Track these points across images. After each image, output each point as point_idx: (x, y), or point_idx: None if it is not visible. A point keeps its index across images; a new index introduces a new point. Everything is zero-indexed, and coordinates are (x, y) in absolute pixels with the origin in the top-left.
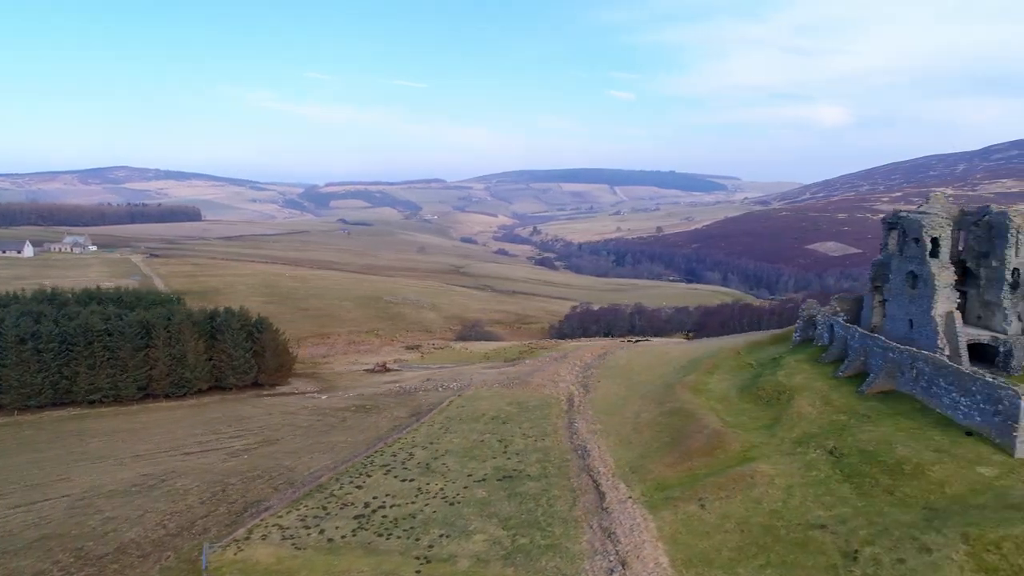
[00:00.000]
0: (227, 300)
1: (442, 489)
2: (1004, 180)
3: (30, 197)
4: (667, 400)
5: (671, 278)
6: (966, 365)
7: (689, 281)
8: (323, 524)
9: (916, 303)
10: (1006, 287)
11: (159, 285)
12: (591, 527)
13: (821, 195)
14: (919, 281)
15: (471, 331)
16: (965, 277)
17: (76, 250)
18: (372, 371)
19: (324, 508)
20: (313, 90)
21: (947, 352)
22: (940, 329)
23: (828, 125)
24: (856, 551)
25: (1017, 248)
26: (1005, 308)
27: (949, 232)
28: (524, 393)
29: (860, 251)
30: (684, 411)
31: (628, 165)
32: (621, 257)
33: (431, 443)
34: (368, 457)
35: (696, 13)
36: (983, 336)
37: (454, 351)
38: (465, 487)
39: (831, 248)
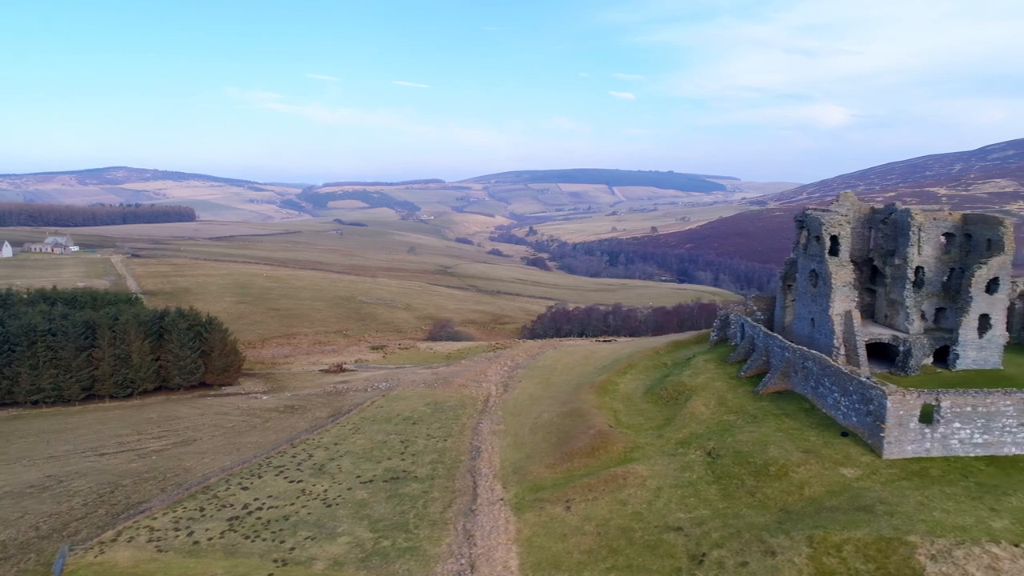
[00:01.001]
0: (197, 300)
1: (326, 491)
2: (998, 180)
3: (28, 198)
4: (570, 400)
5: (663, 278)
6: (863, 365)
7: (681, 281)
8: (194, 526)
9: (817, 302)
10: (909, 286)
11: (131, 285)
12: (456, 529)
13: (817, 195)
14: (819, 280)
15: (441, 331)
16: (875, 276)
17: (57, 250)
18: (327, 371)
19: (202, 510)
20: (315, 91)
21: (842, 352)
22: (836, 328)
23: (830, 126)
24: (704, 554)
25: (919, 246)
26: (908, 307)
27: (849, 230)
28: (445, 393)
29: None
30: (579, 412)
31: (628, 165)
32: (614, 257)
33: (335, 444)
34: (268, 458)
35: (699, 14)
36: (884, 335)
37: (418, 352)
38: (349, 488)
39: None
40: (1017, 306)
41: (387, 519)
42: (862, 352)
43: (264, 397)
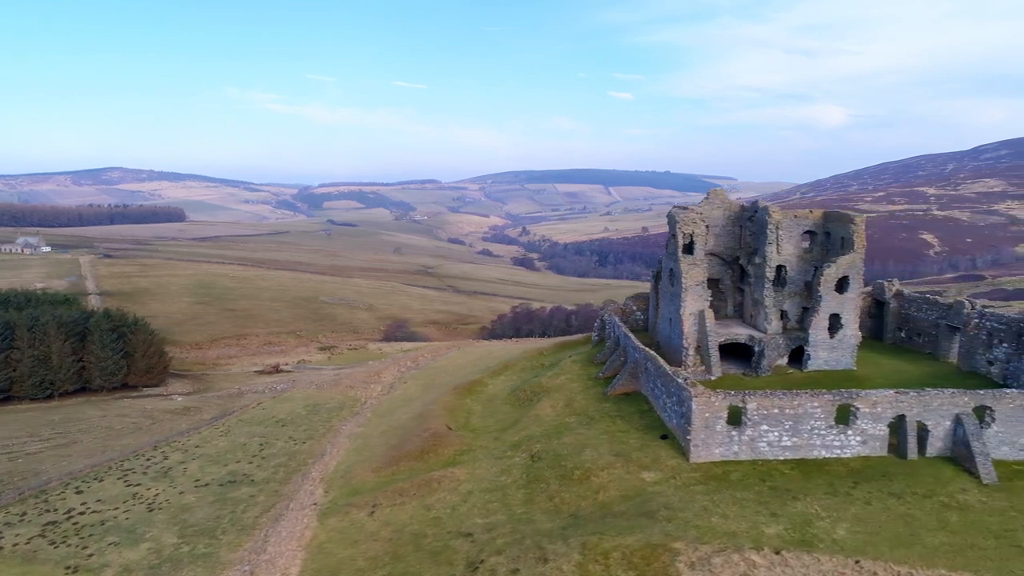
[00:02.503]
0: (154, 300)
1: (156, 495)
2: (987, 180)
3: (23, 198)
4: (431, 402)
5: (649, 278)
6: (716, 365)
7: None
8: (6, 532)
9: (674, 301)
10: (768, 285)
11: (90, 286)
12: (258, 535)
13: (810, 195)
14: (675, 278)
15: (398, 332)
16: (743, 275)
17: (27, 251)
18: (262, 372)
19: (23, 515)
20: (315, 91)
21: (691, 352)
22: (686, 327)
23: (830, 126)
24: (481, 561)
25: (778, 245)
26: (766, 306)
27: (704, 229)
28: (331, 394)
29: None
30: (427, 414)
31: (628, 166)
32: (604, 257)
33: (197, 447)
34: (123, 461)
35: (699, 14)
36: (741, 335)
37: (367, 352)
38: (181, 492)
39: None
40: (892, 305)
41: (200, 524)
42: (714, 353)
43: (178, 399)
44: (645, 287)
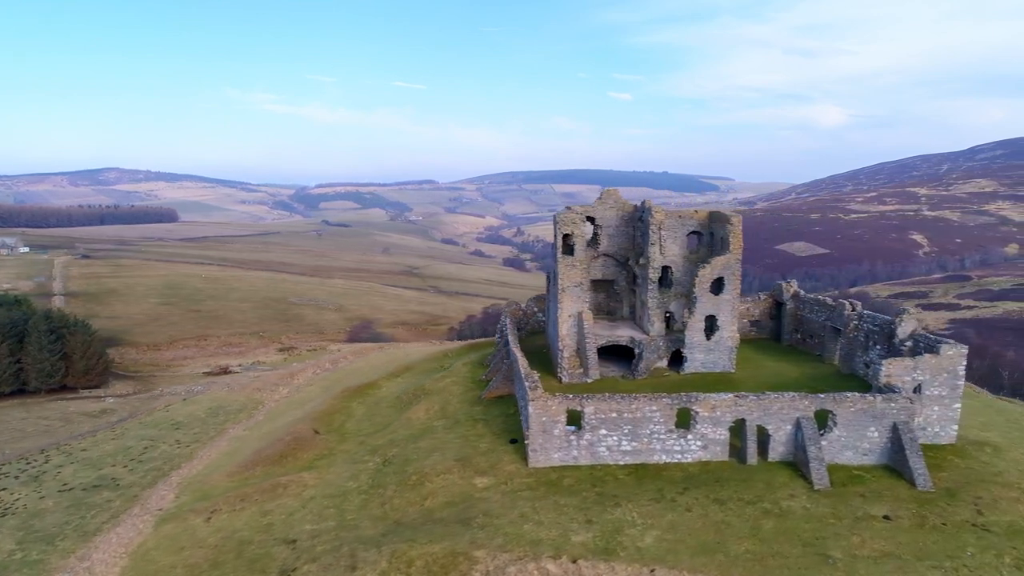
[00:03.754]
0: (120, 301)
1: (18, 499)
2: (979, 180)
3: (19, 199)
4: (318, 404)
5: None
6: (593, 368)
7: None
8: None
9: (554, 302)
10: (651, 286)
11: (56, 287)
12: (96, 541)
13: (806, 195)
14: (556, 279)
15: (363, 333)
16: (635, 277)
17: (3, 251)
18: (209, 374)
19: None
20: (314, 92)
21: (566, 354)
22: (563, 328)
23: (829, 126)
24: (294, 569)
25: (661, 245)
26: (648, 308)
27: (584, 228)
28: (237, 397)
29: (828, 251)
30: (304, 416)
31: (628, 166)
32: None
33: (83, 450)
34: (5, 463)
35: (699, 14)
36: (623, 338)
37: (326, 353)
38: (42, 497)
39: (799, 248)
40: (789, 307)
41: (45, 530)
42: (591, 355)
43: (109, 400)
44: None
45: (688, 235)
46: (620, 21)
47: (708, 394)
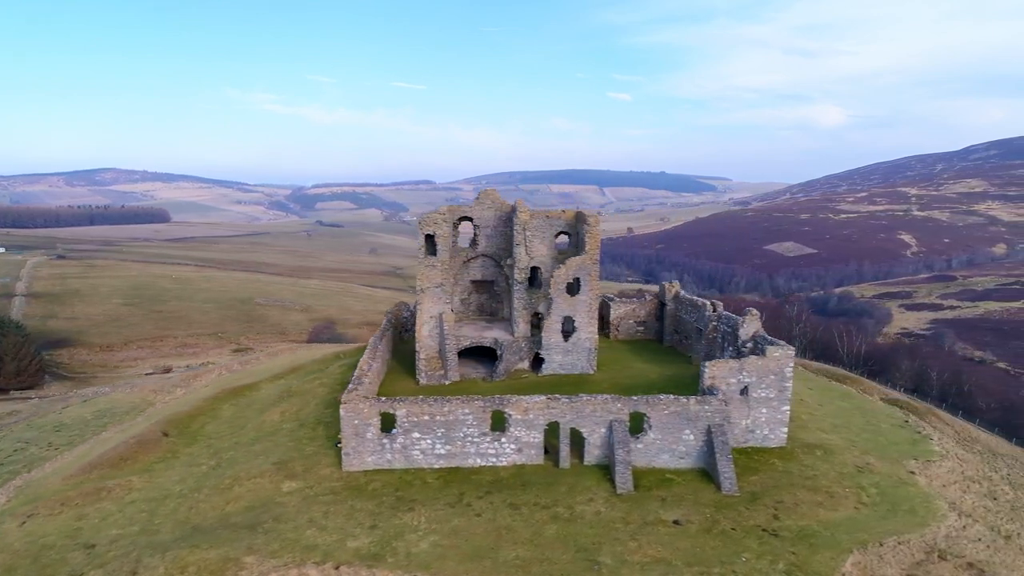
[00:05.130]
0: (82, 301)
1: None
2: (969, 180)
3: (15, 199)
4: (188, 405)
5: (630, 279)
6: (452, 369)
7: (648, 281)
8: None
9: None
10: (518, 287)
11: (19, 287)
12: None
13: (801, 195)
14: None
15: (324, 333)
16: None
17: None
18: (151, 374)
19: None
20: (314, 92)
21: (423, 355)
22: (423, 329)
23: (829, 126)
24: (83, 574)
25: (527, 246)
26: (514, 308)
27: (448, 229)
28: (130, 398)
29: (816, 251)
30: (164, 419)
31: (627, 166)
32: None
33: None
34: None
35: (697, 14)
36: (487, 339)
37: (280, 353)
38: None
39: (788, 248)
40: (669, 308)
41: None
42: (451, 356)
43: (33, 401)
44: (622, 287)
45: (557, 235)
46: (619, 21)
47: (521, 396)
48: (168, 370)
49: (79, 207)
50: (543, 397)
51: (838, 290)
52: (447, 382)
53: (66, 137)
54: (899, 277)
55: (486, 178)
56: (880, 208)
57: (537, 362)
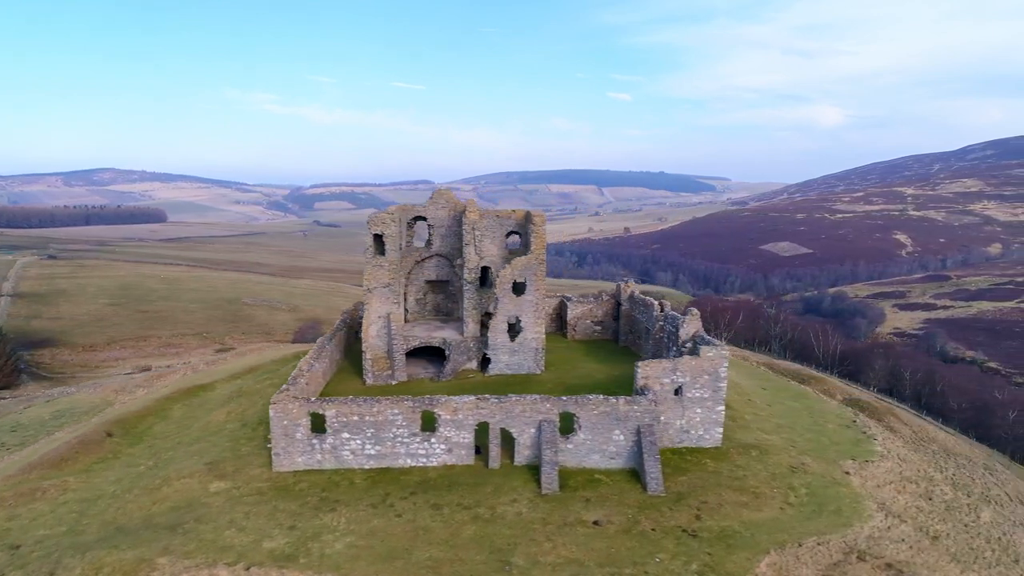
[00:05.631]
0: (67, 301)
1: None
2: (965, 180)
3: (13, 200)
4: (141, 404)
5: (625, 279)
6: (399, 369)
7: (643, 282)
8: None
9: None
10: (467, 287)
11: (5, 288)
12: None
13: (798, 195)
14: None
15: (308, 333)
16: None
17: None
18: (129, 374)
19: None
20: (314, 92)
21: (369, 355)
22: (372, 331)
23: (828, 126)
24: (3, 574)
25: (477, 246)
26: (464, 308)
27: (397, 229)
28: (93, 398)
29: (811, 251)
30: (113, 419)
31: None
32: (582, 258)
33: None
34: None
35: (697, 15)
36: (436, 339)
37: (261, 353)
38: None
39: (783, 248)
40: (624, 307)
41: None
42: (399, 356)
43: (6, 400)
44: (607, 287)
45: (508, 235)
46: (619, 22)
47: (450, 397)
48: (147, 370)
49: (75, 207)
50: (472, 398)
51: (832, 290)
52: (394, 382)
53: (65, 137)
54: (893, 277)
55: (485, 178)
56: (876, 208)
57: (485, 362)
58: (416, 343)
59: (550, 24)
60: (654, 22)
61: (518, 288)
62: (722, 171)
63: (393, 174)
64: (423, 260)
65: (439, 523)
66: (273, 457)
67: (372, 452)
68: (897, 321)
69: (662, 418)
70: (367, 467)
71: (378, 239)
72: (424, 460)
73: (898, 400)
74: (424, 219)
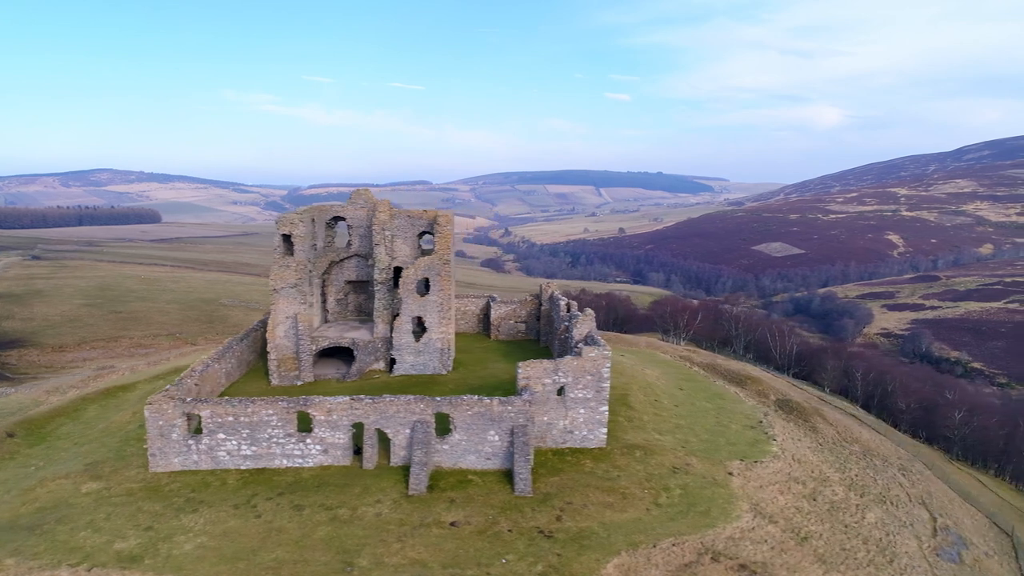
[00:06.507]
0: (42, 301)
1: None
2: (958, 180)
3: (9, 200)
4: (49, 407)
5: (618, 279)
6: (306, 370)
7: (636, 282)
8: None
9: None
10: (378, 287)
11: None
12: None
13: (794, 195)
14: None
15: None
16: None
17: None
18: (94, 373)
19: None
20: (312, 93)
21: (273, 356)
22: (279, 331)
23: (826, 126)
24: None
25: (388, 246)
26: (375, 308)
27: (305, 229)
28: (23, 398)
29: (803, 252)
30: (15, 419)
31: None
32: (576, 258)
33: None
34: None
35: (694, 15)
36: (345, 339)
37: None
38: None
39: (775, 249)
40: (544, 308)
41: None
42: (305, 358)
43: None
44: (604, 287)
45: (421, 235)
46: (617, 23)
47: (325, 397)
48: (112, 367)
49: (68, 207)
50: (347, 398)
51: (822, 291)
52: (300, 383)
53: (62, 138)
54: (884, 277)
55: (483, 178)
56: (869, 209)
57: (393, 363)
58: (326, 344)
59: (549, 25)
60: (652, 23)
61: (422, 288)
62: (720, 172)
63: (390, 175)
64: (342, 260)
65: (295, 524)
66: (149, 458)
67: (248, 453)
68: (885, 322)
69: (545, 418)
70: (244, 468)
71: (287, 239)
72: (300, 461)
73: (851, 401)
74: (343, 219)
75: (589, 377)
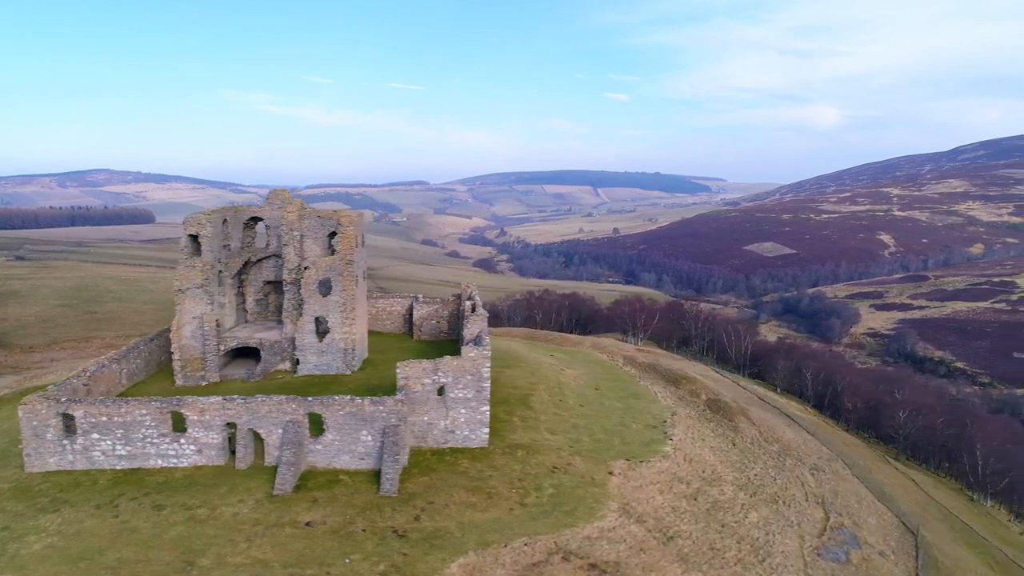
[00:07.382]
0: (17, 302)
1: None
2: (951, 180)
3: (6, 201)
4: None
5: (611, 279)
6: (212, 371)
7: (628, 282)
8: None
9: None
10: (287, 288)
11: None
12: None
13: (790, 195)
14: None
15: None
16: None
17: None
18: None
19: None
20: (312, 93)
21: (177, 356)
22: (184, 332)
23: (825, 126)
24: None
25: (297, 246)
26: (284, 308)
27: (213, 230)
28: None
29: (794, 252)
30: None
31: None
32: (570, 259)
33: None
34: None
35: (694, 15)
36: (253, 340)
37: None
38: None
39: (767, 249)
40: (464, 307)
41: None
42: (211, 358)
43: None
44: (595, 287)
45: (331, 236)
46: (617, 23)
47: (198, 398)
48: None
49: (60, 208)
50: (219, 398)
51: (811, 290)
52: (204, 383)
53: (59, 138)
54: (874, 277)
55: (481, 178)
56: (861, 208)
57: (298, 363)
58: (235, 344)
59: (549, 25)
60: (652, 23)
61: (324, 289)
62: (718, 172)
63: (389, 175)
64: (260, 260)
65: (150, 524)
66: (25, 458)
67: (123, 453)
68: (872, 321)
69: (426, 418)
70: (119, 468)
71: (194, 239)
72: (175, 461)
73: (802, 400)
74: (261, 219)
75: (469, 377)
